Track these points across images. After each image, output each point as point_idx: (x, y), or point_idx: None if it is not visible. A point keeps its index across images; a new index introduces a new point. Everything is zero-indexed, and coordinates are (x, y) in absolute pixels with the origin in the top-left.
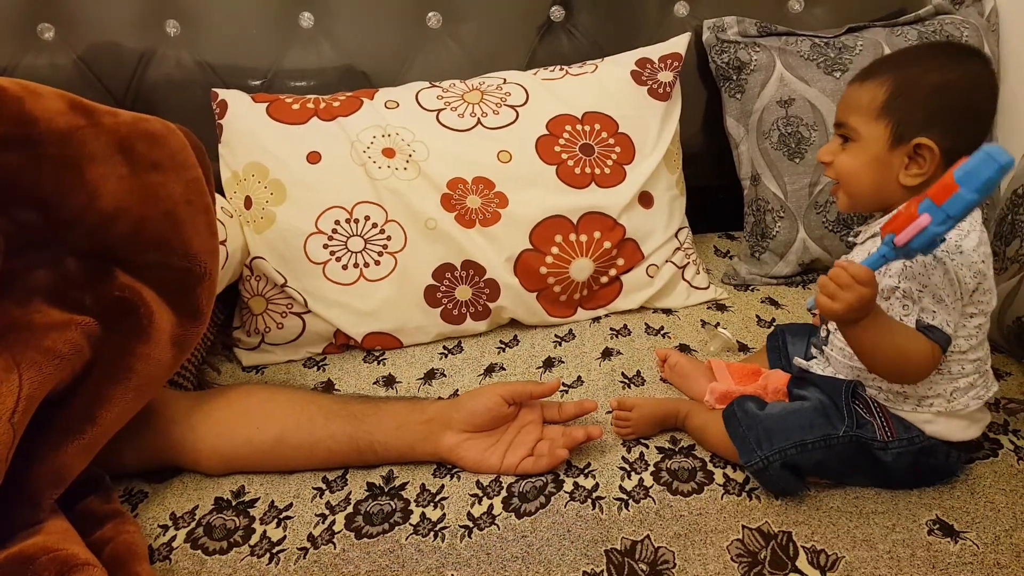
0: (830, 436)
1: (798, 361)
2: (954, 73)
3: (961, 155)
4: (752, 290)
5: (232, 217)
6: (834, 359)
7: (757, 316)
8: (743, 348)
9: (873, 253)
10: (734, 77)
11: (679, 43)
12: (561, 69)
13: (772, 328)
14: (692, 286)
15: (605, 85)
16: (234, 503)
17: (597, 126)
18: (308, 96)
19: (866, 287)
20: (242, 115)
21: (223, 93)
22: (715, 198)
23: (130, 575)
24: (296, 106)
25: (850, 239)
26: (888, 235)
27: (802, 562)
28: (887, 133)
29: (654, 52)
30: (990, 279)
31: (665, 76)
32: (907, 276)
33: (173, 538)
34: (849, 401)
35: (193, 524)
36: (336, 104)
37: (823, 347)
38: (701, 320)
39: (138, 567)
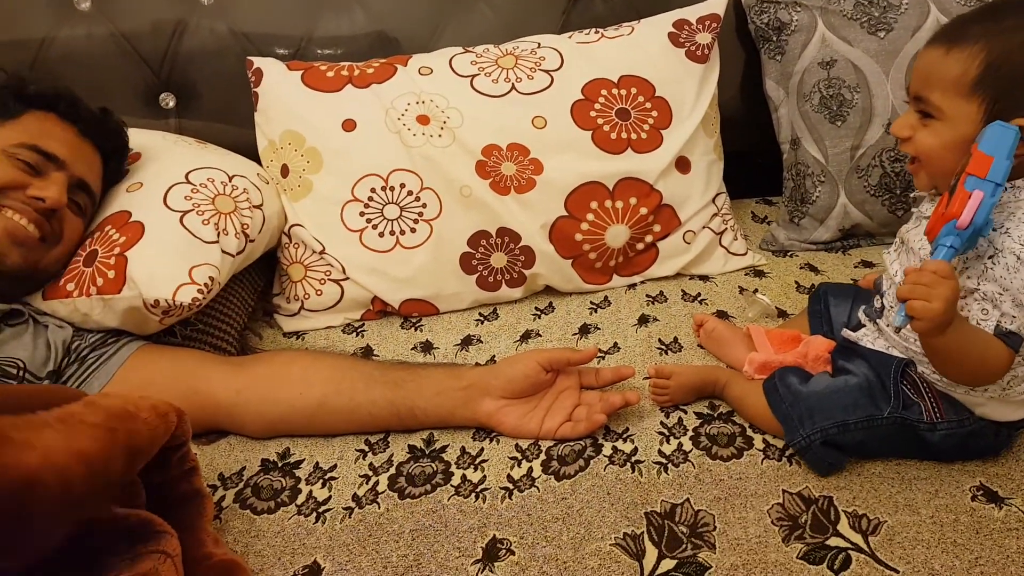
0: (874, 417)
1: (846, 333)
2: None
3: None
4: (791, 256)
5: (268, 183)
6: (888, 335)
7: (796, 282)
8: (782, 314)
9: (937, 251)
10: (774, 38)
11: (717, 3)
12: (596, 32)
13: (814, 290)
14: (730, 252)
15: (641, 48)
16: (280, 464)
17: (633, 90)
18: (342, 63)
19: (951, 279)
20: (277, 83)
21: (258, 61)
22: (753, 163)
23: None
24: (330, 73)
25: (912, 197)
26: (947, 224)
27: (843, 526)
28: (980, 113)
29: (692, 13)
30: None
31: (703, 38)
32: (988, 279)
33: (223, 498)
34: (898, 382)
35: (241, 485)
36: (370, 71)
37: (876, 319)
38: (739, 286)
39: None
